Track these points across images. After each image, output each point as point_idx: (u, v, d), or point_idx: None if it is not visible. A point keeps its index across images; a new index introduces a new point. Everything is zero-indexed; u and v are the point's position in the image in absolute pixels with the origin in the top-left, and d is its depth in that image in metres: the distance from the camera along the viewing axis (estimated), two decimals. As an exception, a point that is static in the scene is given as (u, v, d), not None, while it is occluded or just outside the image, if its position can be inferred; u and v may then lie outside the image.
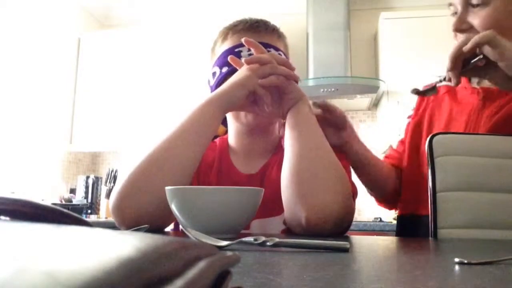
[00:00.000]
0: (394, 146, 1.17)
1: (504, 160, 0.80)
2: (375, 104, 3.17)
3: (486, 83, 0.96)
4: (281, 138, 0.94)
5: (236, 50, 0.88)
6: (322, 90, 2.84)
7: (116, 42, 3.31)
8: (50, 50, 3.08)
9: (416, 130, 1.06)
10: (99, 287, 0.10)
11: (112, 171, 3.10)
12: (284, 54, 0.93)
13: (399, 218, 1.08)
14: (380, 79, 2.91)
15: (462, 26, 0.90)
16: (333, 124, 0.97)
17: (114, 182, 3.06)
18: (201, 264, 0.14)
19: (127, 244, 0.13)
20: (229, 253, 0.18)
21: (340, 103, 3.08)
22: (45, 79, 3.03)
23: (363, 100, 3.00)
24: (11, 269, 0.10)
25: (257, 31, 0.90)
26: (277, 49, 0.90)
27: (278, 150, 0.95)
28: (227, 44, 0.91)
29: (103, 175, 3.23)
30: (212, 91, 0.90)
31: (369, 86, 2.84)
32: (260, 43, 0.84)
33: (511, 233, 0.76)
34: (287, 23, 3.41)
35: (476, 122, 0.92)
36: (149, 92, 3.18)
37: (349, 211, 0.74)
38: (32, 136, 2.90)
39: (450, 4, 0.94)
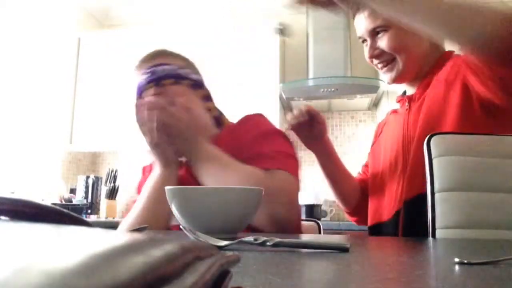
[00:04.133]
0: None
1: (501, 160, 0.80)
2: (375, 104, 3.17)
3: (409, 92, 1.14)
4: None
5: (139, 82, 1.06)
6: (322, 90, 2.84)
7: (116, 42, 3.31)
8: (50, 50, 3.08)
9: (375, 150, 1.25)
10: (99, 286, 0.10)
11: (112, 171, 3.10)
12: (172, 67, 1.05)
13: (369, 229, 1.17)
14: (380, 79, 2.91)
15: (375, 52, 1.07)
16: (313, 130, 1.13)
17: (114, 182, 3.06)
18: (201, 264, 0.14)
19: (127, 245, 0.13)
20: (229, 253, 0.18)
21: (340, 103, 3.08)
22: (45, 79, 3.03)
23: (363, 100, 3.00)
24: (11, 269, 0.10)
25: (148, 60, 1.07)
26: (162, 65, 1.04)
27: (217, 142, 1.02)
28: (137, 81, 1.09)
29: (103, 175, 3.23)
30: None
31: (369, 86, 2.84)
32: (151, 66, 1.04)
33: (509, 233, 0.76)
34: (287, 23, 3.41)
35: (408, 122, 1.07)
36: (149, 92, 3.18)
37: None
38: (32, 136, 2.90)
39: (361, 38, 1.11)
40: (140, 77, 1.05)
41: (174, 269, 0.13)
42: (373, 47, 1.07)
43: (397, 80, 1.09)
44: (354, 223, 1.34)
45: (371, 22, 1.05)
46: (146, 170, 1.16)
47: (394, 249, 0.57)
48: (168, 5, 3.51)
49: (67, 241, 0.14)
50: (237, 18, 3.43)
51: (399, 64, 1.06)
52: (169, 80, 1.02)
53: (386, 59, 1.07)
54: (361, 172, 1.32)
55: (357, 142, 3.24)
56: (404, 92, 1.18)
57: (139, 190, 1.11)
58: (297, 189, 0.92)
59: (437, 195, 0.80)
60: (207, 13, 3.46)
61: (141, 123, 0.94)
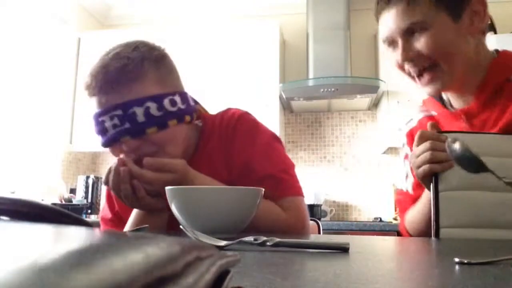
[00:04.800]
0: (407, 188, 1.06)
1: (505, 159, 0.79)
2: (375, 104, 3.17)
3: (455, 105, 0.96)
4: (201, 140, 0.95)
5: (100, 119, 0.83)
6: (322, 90, 2.84)
7: (116, 42, 3.30)
8: (50, 49, 3.08)
9: None
10: (101, 287, 0.10)
11: (112, 171, 3.10)
12: (154, 98, 0.82)
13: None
14: (380, 79, 2.91)
15: (409, 55, 0.89)
16: None
17: (114, 182, 3.06)
18: (201, 264, 0.14)
19: (128, 245, 0.13)
20: (229, 253, 0.18)
21: (340, 103, 3.08)
22: (45, 79, 3.03)
23: (363, 100, 3.00)
24: (11, 269, 0.10)
25: (110, 90, 0.82)
26: (140, 102, 0.81)
27: (199, 138, 0.95)
28: (93, 106, 0.87)
29: (103, 175, 3.23)
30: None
31: (369, 86, 2.84)
32: (120, 104, 0.80)
33: None
34: (287, 23, 3.41)
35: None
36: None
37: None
38: (32, 136, 2.90)
39: (387, 39, 0.92)
40: (102, 116, 0.82)
41: (174, 269, 0.13)
42: (408, 49, 0.89)
43: (440, 92, 0.93)
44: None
45: (406, 18, 0.87)
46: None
47: (394, 249, 0.57)
48: (168, 5, 3.51)
49: (66, 241, 0.14)
50: (237, 18, 3.43)
51: (444, 72, 0.88)
52: (152, 128, 0.81)
53: (423, 64, 0.89)
54: (410, 190, 1.03)
55: (357, 142, 3.24)
56: (441, 98, 0.99)
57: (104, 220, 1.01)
58: (307, 209, 0.93)
59: (441, 194, 0.80)
60: (207, 13, 3.46)
61: (116, 192, 0.83)
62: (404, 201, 1.03)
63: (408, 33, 0.89)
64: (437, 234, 0.80)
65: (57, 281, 0.09)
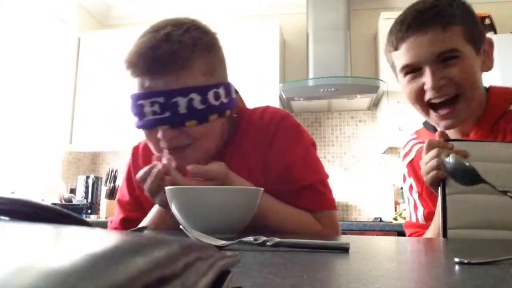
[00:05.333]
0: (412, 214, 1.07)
1: (510, 165, 0.82)
2: (375, 104, 3.17)
3: (454, 135, 0.97)
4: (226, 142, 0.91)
5: (139, 102, 0.78)
6: (322, 90, 2.84)
7: (116, 42, 3.31)
8: (50, 49, 3.08)
9: (431, 194, 0.97)
10: (99, 287, 0.10)
11: (112, 171, 3.10)
12: (200, 89, 0.79)
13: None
14: (380, 79, 2.91)
15: (440, 83, 0.87)
16: None
17: (114, 182, 3.06)
18: (201, 265, 0.14)
19: (127, 245, 0.13)
20: (229, 253, 0.18)
21: (340, 103, 3.08)
22: (45, 79, 3.03)
23: (363, 100, 3.00)
24: (11, 269, 0.10)
25: (157, 74, 0.77)
26: (185, 92, 0.77)
27: (234, 131, 0.91)
28: (132, 84, 0.81)
29: (103, 175, 3.23)
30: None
31: (369, 86, 2.84)
32: (164, 91, 0.77)
33: None
34: (287, 23, 3.41)
35: None
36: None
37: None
38: (32, 136, 2.90)
39: (410, 66, 0.89)
40: (142, 100, 0.77)
41: (174, 269, 0.13)
42: (438, 76, 0.86)
43: (457, 126, 0.92)
44: None
45: (440, 44, 0.86)
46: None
47: (394, 249, 0.57)
48: (168, 5, 3.51)
49: (67, 242, 0.14)
50: (237, 18, 3.44)
51: (465, 104, 0.88)
52: (192, 121, 0.78)
53: (449, 93, 0.87)
54: (421, 220, 1.01)
55: (357, 142, 3.24)
56: (434, 129, 0.99)
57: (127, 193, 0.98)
58: (339, 223, 0.93)
59: (448, 198, 0.82)
60: (207, 13, 3.46)
61: (151, 194, 0.79)
62: (418, 233, 1.00)
63: (439, 61, 0.87)
64: (444, 235, 0.81)
65: (55, 282, 0.09)
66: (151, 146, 0.85)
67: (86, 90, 3.29)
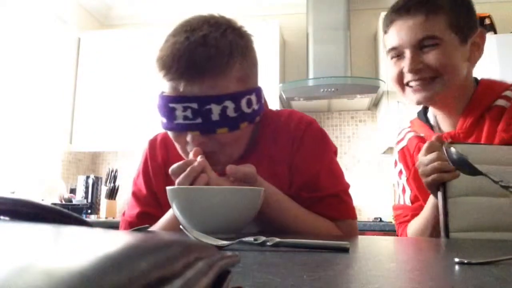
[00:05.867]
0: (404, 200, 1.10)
1: (510, 167, 0.82)
2: (375, 104, 3.18)
3: (442, 127, 1.02)
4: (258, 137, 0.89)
5: (171, 106, 0.76)
6: (322, 90, 2.84)
7: (116, 42, 3.31)
8: (50, 49, 3.08)
9: (418, 181, 1.00)
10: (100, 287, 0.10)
11: (112, 171, 3.10)
12: (233, 97, 0.77)
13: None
14: (380, 79, 2.91)
15: (417, 66, 0.92)
16: None
17: (114, 182, 3.06)
18: (201, 265, 0.14)
19: (127, 245, 0.13)
20: (229, 253, 0.18)
21: (340, 103, 3.08)
22: (45, 79, 3.03)
23: (363, 100, 3.00)
24: (11, 269, 0.10)
25: (192, 79, 0.75)
26: (219, 99, 0.75)
27: (258, 135, 0.90)
28: (163, 85, 0.79)
29: (103, 175, 3.23)
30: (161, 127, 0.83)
31: (369, 86, 2.85)
32: (198, 98, 0.74)
33: None
34: (287, 23, 3.41)
35: None
36: (149, 92, 3.18)
37: None
38: (32, 136, 2.90)
39: (394, 50, 0.96)
40: (174, 104, 0.75)
41: (174, 269, 0.13)
42: (416, 60, 0.92)
43: (429, 100, 0.97)
44: None
45: (421, 31, 0.91)
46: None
47: (394, 249, 0.57)
48: (168, 6, 3.51)
49: (67, 242, 0.14)
50: (237, 19, 3.43)
51: (440, 84, 0.93)
52: (223, 129, 0.77)
53: (425, 76, 0.93)
54: (408, 203, 1.07)
55: (357, 142, 3.24)
56: (428, 121, 1.06)
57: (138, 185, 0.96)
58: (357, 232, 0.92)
59: (449, 200, 0.83)
60: (207, 13, 3.46)
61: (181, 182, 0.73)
62: (403, 214, 1.07)
63: (419, 46, 0.92)
64: (447, 237, 0.82)
65: (50, 281, 0.09)
66: (178, 147, 0.84)
67: (86, 90, 3.29)
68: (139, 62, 3.22)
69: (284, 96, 2.94)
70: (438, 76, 0.93)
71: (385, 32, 0.99)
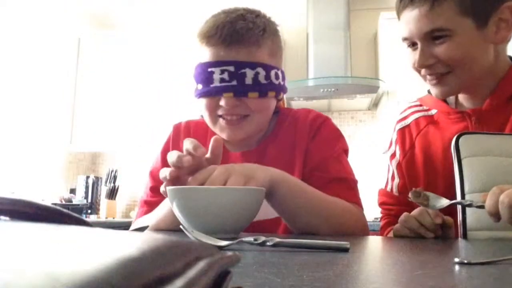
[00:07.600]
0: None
1: None
2: (375, 104, 3.17)
3: (465, 105, 0.96)
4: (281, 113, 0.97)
5: (209, 70, 0.85)
6: (322, 90, 2.84)
7: (116, 42, 3.31)
8: (50, 50, 3.08)
9: (410, 168, 1.00)
10: (99, 287, 0.10)
11: (112, 171, 3.10)
12: (265, 66, 0.85)
13: None
14: (380, 79, 2.91)
15: (428, 62, 0.87)
16: None
17: (114, 182, 3.06)
18: (201, 264, 0.14)
19: (127, 245, 0.13)
20: (229, 253, 0.18)
21: (340, 103, 3.08)
22: (45, 79, 3.03)
23: (363, 100, 3.00)
24: (11, 269, 0.10)
25: (232, 45, 0.84)
26: (253, 65, 0.84)
27: (276, 126, 0.96)
28: (203, 54, 0.88)
29: (103, 175, 3.23)
30: (195, 96, 0.90)
31: (369, 86, 2.84)
32: (235, 62, 0.83)
33: None
34: (287, 23, 3.41)
35: None
36: (149, 92, 3.18)
37: None
38: (32, 136, 2.90)
39: (407, 40, 0.91)
40: (213, 67, 0.84)
41: (174, 269, 0.13)
42: (427, 54, 0.87)
43: (448, 95, 0.94)
44: None
45: (428, 23, 0.84)
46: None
47: (394, 249, 0.57)
48: (168, 6, 3.51)
49: (67, 242, 0.14)
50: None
51: (454, 79, 0.88)
52: (254, 93, 0.84)
53: (440, 71, 0.88)
54: (395, 191, 1.06)
55: (357, 142, 3.24)
56: (445, 101, 0.99)
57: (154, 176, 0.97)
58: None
59: (467, 197, 0.79)
60: (207, 13, 3.46)
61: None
62: (388, 205, 1.06)
63: (429, 38, 0.86)
64: (464, 236, 0.79)
65: (50, 281, 0.09)
66: (206, 116, 0.89)
67: (86, 90, 3.29)
68: (139, 62, 3.22)
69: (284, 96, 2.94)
70: (451, 71, 0.87)
71: (398, 19, 0.94)
